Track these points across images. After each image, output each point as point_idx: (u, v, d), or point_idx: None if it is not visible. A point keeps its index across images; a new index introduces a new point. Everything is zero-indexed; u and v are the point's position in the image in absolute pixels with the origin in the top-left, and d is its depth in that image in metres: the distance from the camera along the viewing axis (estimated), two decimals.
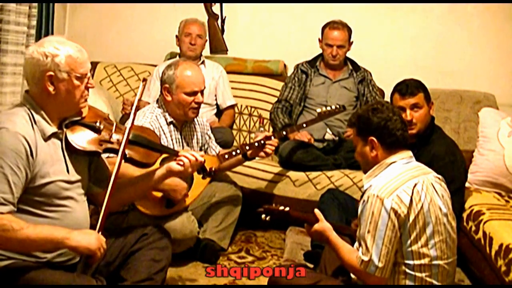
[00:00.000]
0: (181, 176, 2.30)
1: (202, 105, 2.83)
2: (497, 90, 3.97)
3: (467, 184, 2.90)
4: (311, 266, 2.62)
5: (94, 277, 1.88)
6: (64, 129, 1.89)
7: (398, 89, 2.68)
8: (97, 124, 1.96)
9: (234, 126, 3.97)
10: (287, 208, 2.16)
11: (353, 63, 3.76)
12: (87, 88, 1.91)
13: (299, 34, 4.22)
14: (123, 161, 1.94)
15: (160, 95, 2.80)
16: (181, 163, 2.07)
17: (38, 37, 3.70)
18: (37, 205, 1.81)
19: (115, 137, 1.97)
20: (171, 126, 2.76)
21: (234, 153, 2.84)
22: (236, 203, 3.03)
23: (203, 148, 2.95)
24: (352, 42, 3.68)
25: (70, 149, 1.89)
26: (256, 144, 2.85)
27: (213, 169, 2.23)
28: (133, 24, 4.38)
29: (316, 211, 2.14)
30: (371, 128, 2.03)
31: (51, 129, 1.85)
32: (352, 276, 2.08)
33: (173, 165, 2.08)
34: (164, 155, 2.27)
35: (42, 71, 1.81)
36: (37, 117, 1.83)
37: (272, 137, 2.87)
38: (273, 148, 2.88)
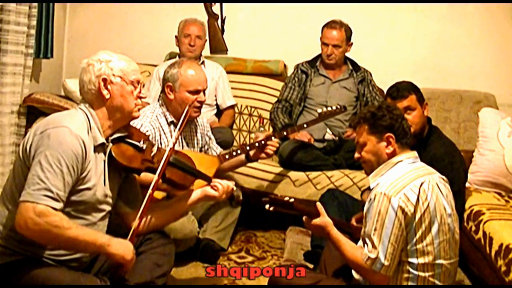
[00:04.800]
0: (214, 200, 2.38)
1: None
2: (497, 90, 3.98)
3: (467, 184, 2.90)
4: (311, 266, 2.62)
5: (98, 277, 1.89)
6: (110, 144, 1.94)
7: (389, 93, 2.68)
8: (141, 143, 2.02)
9: (234, 126, 3.97)
10: (292, 199, 2.17)
11: (353, 63, 3.76)
12: (139, 97, 1.98)
13: (299, 34, 4.22)
14: (160, 180, 2.00)
15: (162, 94, 2.81)
16: (215, 188, 2.15)
17: (38, 37, 3.70)
18: (69, 207, 1.81)
19: (156, 157, 2.04)
20: (172, 126, 2.76)
21: (234, 153, 2.85)
22: None
23: (203, 149, 2.95)
24: (352, 43, 3.67)
25: (112, 164, 1.94)
26: (257, 144, 2.85)
27: (240, 198, 2.35)
28: (133, 24, 4.38)
29: (318, 204, 2.13)
30: (389, 125, 2.05)
31: (101, 139, 1.90)
32: (354, 275, 2.08)
33: (209, 190, 2.17)
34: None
35: (97, 76, 1.91)
36: (92, 124, 1.89)
37: (273, 138, 2.88)
38: (274, 149, 2.88)
